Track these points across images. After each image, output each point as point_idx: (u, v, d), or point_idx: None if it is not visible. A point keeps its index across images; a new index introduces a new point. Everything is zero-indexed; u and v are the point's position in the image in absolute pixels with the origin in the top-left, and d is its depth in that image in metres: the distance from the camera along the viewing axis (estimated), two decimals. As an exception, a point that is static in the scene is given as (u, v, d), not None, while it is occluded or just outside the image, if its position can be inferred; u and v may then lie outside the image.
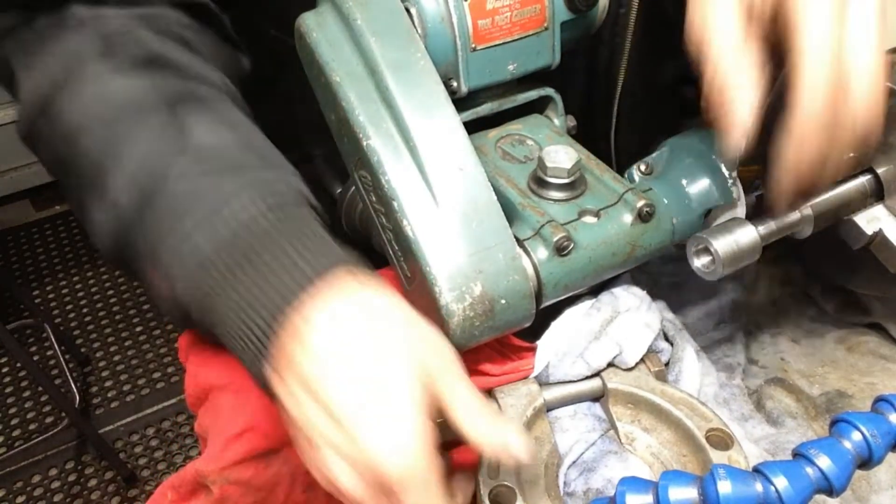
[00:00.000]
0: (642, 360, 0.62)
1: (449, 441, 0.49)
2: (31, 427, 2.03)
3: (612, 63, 0.74)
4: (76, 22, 0.58)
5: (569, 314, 0.64)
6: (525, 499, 0.53)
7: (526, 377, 0.62)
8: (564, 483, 0.58)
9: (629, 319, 0.62)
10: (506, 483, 0.53)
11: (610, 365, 0.62)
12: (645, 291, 0.66)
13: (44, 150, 0.59)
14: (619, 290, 0.65)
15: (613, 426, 0.61)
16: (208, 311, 0.49)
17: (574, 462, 0.58)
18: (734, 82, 0.44)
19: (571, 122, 0.73)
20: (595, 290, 0.65)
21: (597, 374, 0.62)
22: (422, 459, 0.42)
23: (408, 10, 0.60)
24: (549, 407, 0.62)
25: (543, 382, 0.62)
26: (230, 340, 0.49)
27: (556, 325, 0.64)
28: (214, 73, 0.61)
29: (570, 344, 0.61)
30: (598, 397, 0.63)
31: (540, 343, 0.63)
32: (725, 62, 0.44)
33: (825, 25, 0.43)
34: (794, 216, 0.56)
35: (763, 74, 0.44)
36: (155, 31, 0.59)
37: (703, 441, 0.56)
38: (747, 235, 0.55)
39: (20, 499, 1.88)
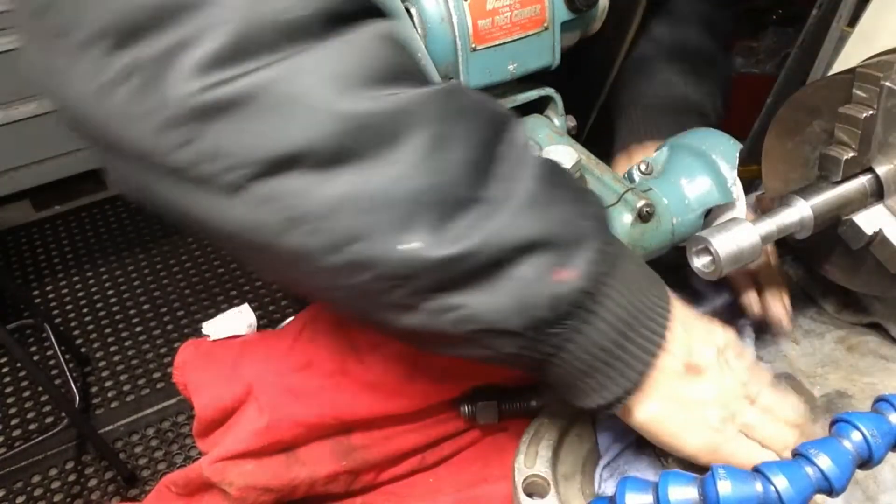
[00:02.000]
0: None
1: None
2: (31, 427, 2.03)
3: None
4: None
5: None
6: (559, 492, 0.52)
7: None
8: (597, 483, 0.56)
9: None
10: (541, 474, 0.53)
11: None
12: None
13: None
14: None
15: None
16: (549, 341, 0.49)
17: (608, 463, 0.57)
18: None
19: (571, 122, 0.73)
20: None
21: None
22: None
23: (408, 10, 0.60)
24: None
25: None
26: (572, 368, 0.50)
27: None
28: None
29: None
30: None
31: None
32: None
33: None
34: (794, 216, 0.56)
35: None
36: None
37: None
38: (747, 235, 0.54)
39: (20, 499, 1.88)
